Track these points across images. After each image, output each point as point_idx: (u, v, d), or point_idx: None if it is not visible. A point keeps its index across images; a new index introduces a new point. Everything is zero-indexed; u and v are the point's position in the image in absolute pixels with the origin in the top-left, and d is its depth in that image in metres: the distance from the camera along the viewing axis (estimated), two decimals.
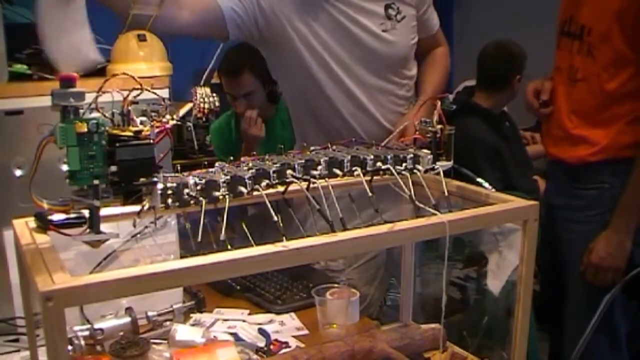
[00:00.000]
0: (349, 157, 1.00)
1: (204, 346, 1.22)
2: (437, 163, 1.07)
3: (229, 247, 0.80)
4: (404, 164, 1.04)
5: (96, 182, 0.79)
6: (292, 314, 1.46)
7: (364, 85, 1.75)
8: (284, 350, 1.29)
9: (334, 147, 1.07)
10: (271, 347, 1.30)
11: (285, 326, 1.41)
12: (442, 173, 1.05)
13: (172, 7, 1.59)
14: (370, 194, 0.96)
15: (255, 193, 0.93)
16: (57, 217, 0.86)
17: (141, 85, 0.84)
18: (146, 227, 1.28)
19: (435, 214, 0.92)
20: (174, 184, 0.87)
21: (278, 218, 0.87)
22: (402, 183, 0.97)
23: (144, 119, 0.85)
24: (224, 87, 2.42)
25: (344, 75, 1.73)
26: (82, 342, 1.14)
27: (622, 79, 1.72)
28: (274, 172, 0.94)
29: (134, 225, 0.92)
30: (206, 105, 2.65)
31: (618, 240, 1.75)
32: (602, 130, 1.77)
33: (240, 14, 1.69)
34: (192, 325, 1.37)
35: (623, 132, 1.74)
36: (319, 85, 1.74)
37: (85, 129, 0.77)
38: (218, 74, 2.46)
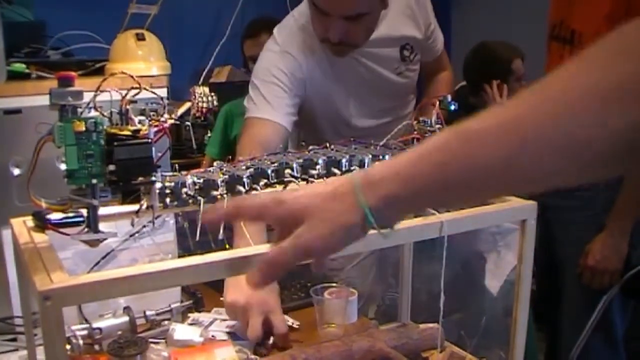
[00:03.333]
0: (348, 156, 1.00)
1: (202, 346, 1.22)
2: None
3: (227, 246, 0.80)
4: None
5: (94, 181, 0.79)
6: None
7: (370, 114, 1.79)
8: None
9: (332, 146, 1.07)
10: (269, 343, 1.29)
11: None
12: None
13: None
14: None
15: (253, 192, 0.93)
16: (55, 216, 0.86)
17: (139, 84, 0.84)
18: (144, 226, 1.29)
19: (433, 214, 0.92)
20: (172, 183, 0.87)
21: None
22: None
23: (142, 118, 0.85)
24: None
25: (350, 116, 1.76)
26: (80, 342, 1.14)
27: None
28: (272, 171, 0.94)
29: (132, 225, 0.92)
30: (205, 105, 2.66)
31: (613, 243, 1.75)
32: None
33: (294, 111, 1.64)
34: (190, 324, 1.37)
35: None
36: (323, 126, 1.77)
37: (84, 128, 0.77)
38: None
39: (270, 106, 1.58)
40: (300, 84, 1.63)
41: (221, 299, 1.38)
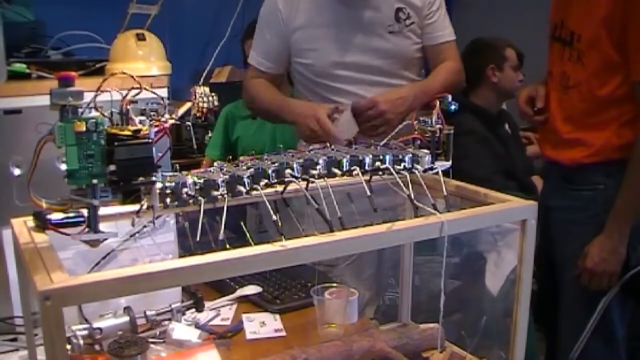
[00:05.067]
0: (348, 156, 1.00)
1: (185, 351, 1.22)
2: (436, 163, 1.07)
3: (227, 246, 0.80)
4: (402, 164, 1.04)
5: (95, 181, 0.79)
6: (277, 315, 1.45)
7: (367, 82, 1.80)
8: None
9: (333, 146, 1.07)
10: None
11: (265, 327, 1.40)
12: (440, 173, 1.05)
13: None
14: (369, 194, 0.96)
15: (254, 193, 0.93)
16: (55, 216, 0.86)
17: (140, 84, 0.84)
18: (145, 226, 1.28)
19: (433, 214, 0.92)
20: (173, 184, 0.87)
21: (277, 217, 0.87)
22: (401, 183, 0.97)
23: (142, 118, 0.85)
24: None
25: (346, 73, 1.79)
26: (81, 342, 1.14)
27: (612, 85, 1.71)
28: (272, 171, 0.94)
29: (133, 225, 0.93)
30: (205, 105, 2.67)
31: (612, 245, 1.74)
32: (596, 133, 1.76)
33: (278, 49, 1.85)
34: (188, 324, 1.37)
35: (616, 134, 1.74)
36: (322, 82, 1.81)
37: (84, 128, 0.78)
38: None
39: (254, 52, 1.90)
40: (278, 24, 1.82)
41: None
